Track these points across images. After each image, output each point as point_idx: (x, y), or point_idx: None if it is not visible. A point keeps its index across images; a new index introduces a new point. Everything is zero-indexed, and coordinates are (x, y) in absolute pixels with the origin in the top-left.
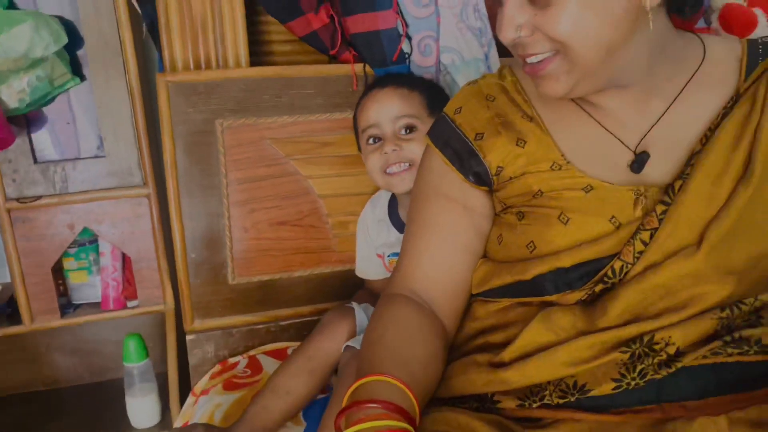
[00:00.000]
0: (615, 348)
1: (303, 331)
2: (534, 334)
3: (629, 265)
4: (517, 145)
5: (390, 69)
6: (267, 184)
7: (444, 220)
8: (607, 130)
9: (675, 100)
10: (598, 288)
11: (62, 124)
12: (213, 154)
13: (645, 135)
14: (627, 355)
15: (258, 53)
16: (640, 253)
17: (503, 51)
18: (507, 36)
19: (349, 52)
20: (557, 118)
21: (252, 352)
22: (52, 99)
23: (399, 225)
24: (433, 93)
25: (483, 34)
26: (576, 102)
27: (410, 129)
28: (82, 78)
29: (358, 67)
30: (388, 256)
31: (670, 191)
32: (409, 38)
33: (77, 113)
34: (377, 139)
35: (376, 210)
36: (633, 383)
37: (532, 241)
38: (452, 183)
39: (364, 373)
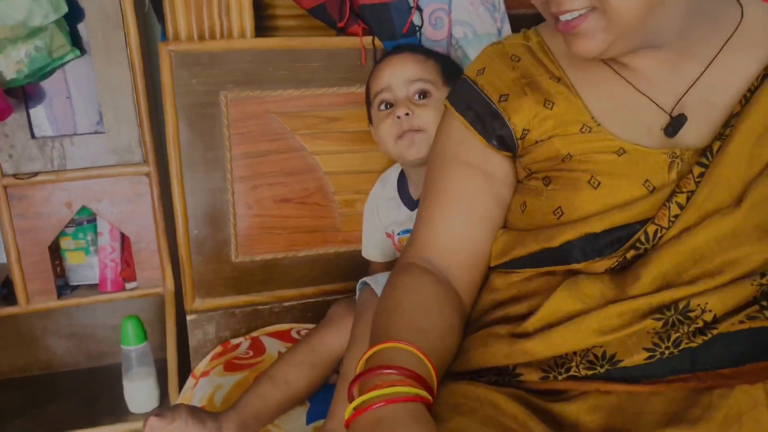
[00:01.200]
0: (647, 315)
1: (307, 313)
2: (559, 302)
3: (664, 230)
4: (544, 106)
5: (400, 42)
6: (271, 160)
7: (463, 187)
8: (640, 91)
9: (711, 62)
10: (630, 254)
11: (61, 99)
12: (216, 127)
13: (681, 98)
14: (660, 323)
15: (262, 28)
16: (676, 216)
17: (516, 28)
18: None
19: (358, 24)
20: (586, 79)
21: (255, 334)
22: (51, 71)
23: (409, 202)
24: (448, 63)
25: (496, 9)
26: (606, 63)
27: (424, 94)
28: (82, 51)
29: (367, 41)
30: (399, 234)
31: (708, 153)
32: (420, 10)
33: (76, 88)
34: (389, 104)
35: (386, 188)
36: (667, 352)
37: (559, 207)
38: (473, 148)
39: (379, 341)
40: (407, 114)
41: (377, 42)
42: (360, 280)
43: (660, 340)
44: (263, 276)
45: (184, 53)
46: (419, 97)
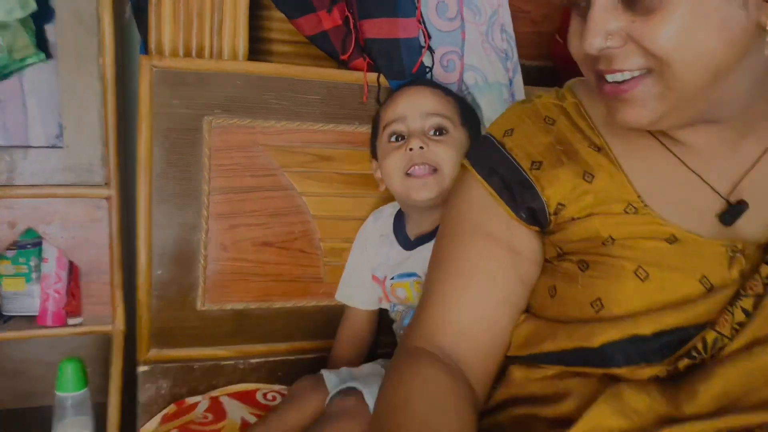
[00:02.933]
0: None
1: (277, 372)
2: (600, 417)
3: (726, 339)
4: (583, 179)
5: (408, 82)
6: (255, 197)
7: (483, 263)
8: (693, 170)
9: None
10: (682, 364)
11: (15, 106)
12: (196, 155)
13: (739, 181)
14: None
15: (254, 51)
16: (741, 324)
17: (528, 80)
18: (593, 44)
19: (363, 59)
20: (630, 152)
21: (215, 393)
22: (10, 74)
23: (405, 242)
24: (465, 105)
25: (509, 58)
26: (653, 135)
27: (441, 131)
28: (48, 55)
29: (371, 78)
30: (392, 279)
31: None
32: (432, 51)
33: (34, 95)
34: (401, 137)
35: (378, 223)
36: None
37: (599, 299)
38: (497, 219)
39: None
40: (421, 147)
41: (383, 80)
42: (339, 381)
43: None
44: (231, 327)
45: (168, 70)
46: (435, 133)
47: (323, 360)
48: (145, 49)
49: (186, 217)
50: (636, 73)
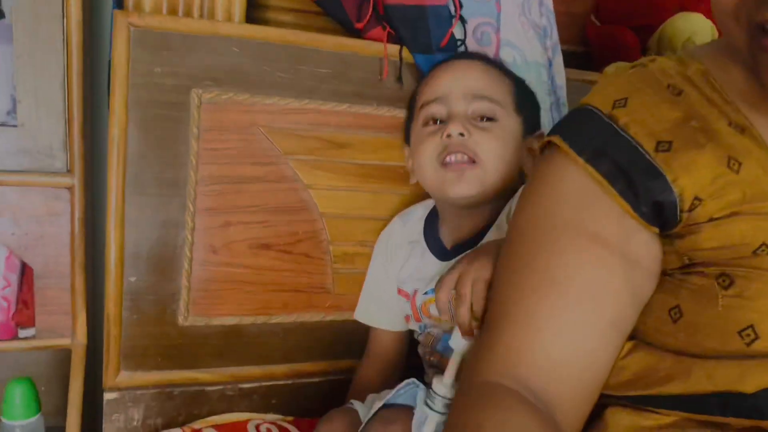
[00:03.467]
0: None
1: (272, 400)
2: None
3: None
4: (728, 167)
5: (436, 57)
6: (252, 190)
7: (587, 274)
8: None
9: None
10: None
11: None
12: (182, 136)
13: None
14: None
15: (249, 19)
16: None
17: (570, 62)
18: None
19: (383, 27)
20: None
21: (196, 424)
22: None
23: (439, 251)
24: (523, 88)
25: (547, 36)
26: None
27: (489, 117)
28: (1, 14)
29: (393, 49)
30: (424, 293)
31: None
32: (464, 21)
33: None
34: (439, 121)
35: (407, 226)
36: None
37: (751, 327)
38: (607, 215)
39: None
40: (461, 134)
41: (406, 53)
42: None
43: None
44: (219, 346)
45: (149, 30)
46: (481, 119)
47: (328, 385)
48: (119, 5)
49: (167, 212)
50: None
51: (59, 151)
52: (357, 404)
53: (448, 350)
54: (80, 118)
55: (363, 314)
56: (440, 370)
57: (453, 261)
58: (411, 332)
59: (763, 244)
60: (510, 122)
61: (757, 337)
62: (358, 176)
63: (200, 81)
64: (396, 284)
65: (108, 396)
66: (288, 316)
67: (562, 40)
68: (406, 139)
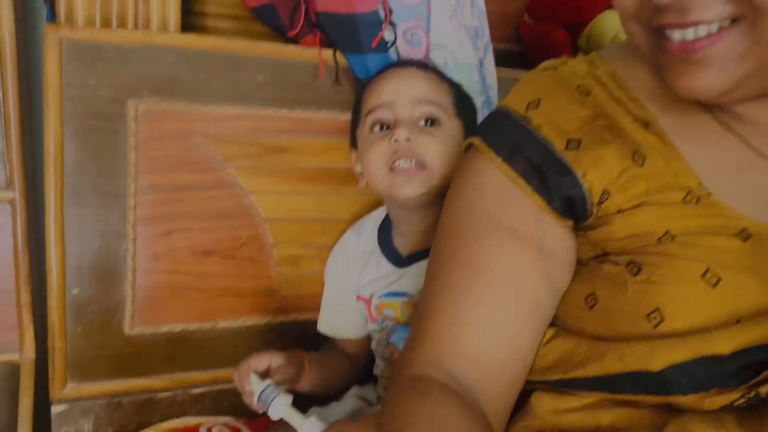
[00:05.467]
0: None
1: (223, 403)
2: None
3: None
4: (633, 161)
5: (367, 57)
6: (192, 197)
7: (506, 267)
8: (759, 151)
9: None
10: (765, 390)
11: None
12: (119, 147)
13: None
14: None
15: (185, 27)
16: None
17: (501, 60)
18: None
19: (314, 35)
20: (684, 130)
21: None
22: None
23: (394, 257)
24: (461, 93)
25: (479, 36)
26: (708, 110)
27: (432, 122)
28: None
29: (327, 54)
30: (380, 297)
31: None
32: (393, 25)
33: None
34: (386, 126)
35: (362, 239)
36: None
37: (657, 309)
38: (523, 211)
39: None
40: (408, 139)
41: (340, 57)
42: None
43: None
44: (167, 353)
45: (82, 43)
46: (426, 123)
47: None
48: (52, 18)
49: (108, 222)
50: (714, 28)
51: None
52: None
53: (400, 342)
54: (18, 132)
55: (325, 327)
56: (390, 362)
57: (408, 268)
58: (369, 340)
59: (667, 232)
60: (452, 126)
61: (663, 319)
62: (300, 179)
63: (136, 91)
64: (355, 292)
65: (56, 408)
66: (234, 321)
67: (497, 39)
68: (353, 143)
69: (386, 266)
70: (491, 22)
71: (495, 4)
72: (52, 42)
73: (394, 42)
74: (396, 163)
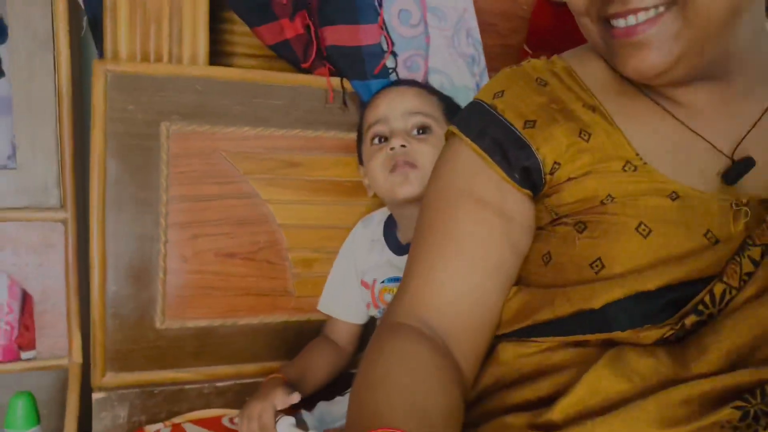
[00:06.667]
0: (723, 403)
1: (244, 396)
2: (600, 381)
3: (734, 291)
4: (579, 137)
5: (371, 83)
6: (216, 206)
7: (472, 229)
8: (692, 130)
9: None
10: (690, 321)
11: None
12: (153, 162)
13: (740, 141)
14: (739, 414)
15: (217, 65)
16: (749, 274)
17: None
18: None
19: (324, 66)
20: (626, 112)
21: (177, 420)
22: None
23: (396, 247)
24: (451, 103)
25: (475, 63)
26: (649, 97)
27: (424, 129)
28: (1, 73)
29: (335, 81)
30: (382, 282)
31: None
32: (395, 55)
33: None
34: (383, 138)
35: (369, 228)
36: None
37: (599, 259)
38: (487, 182)
39: (367, 425)
40: (403, 146)
41: (346, 83)
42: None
43: None
44: (194, 347)
45: (123, 75)
46: (418, 132)
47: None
48: (100, 55)
49: (143, 227)
50: (652, 14)
51: (54, 189)
52: (305, 414)
53: None
54: (71, 159)
55: (325, 306)
56: None
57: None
58: (363, 329)
59: (609, 195)
60: (443, 132)
61: (603, 267)
62: (311, 191)
63: (168, 115)
64: (359, 277)
65: (96, 396)
66: (254, 318)
67: (500, 68)
68: (360, 161)
69: (388, 254)
70: (494, 54)
71: (498, 37)
72: (99, 74)
73: (395, 68)
74: (394, 166)
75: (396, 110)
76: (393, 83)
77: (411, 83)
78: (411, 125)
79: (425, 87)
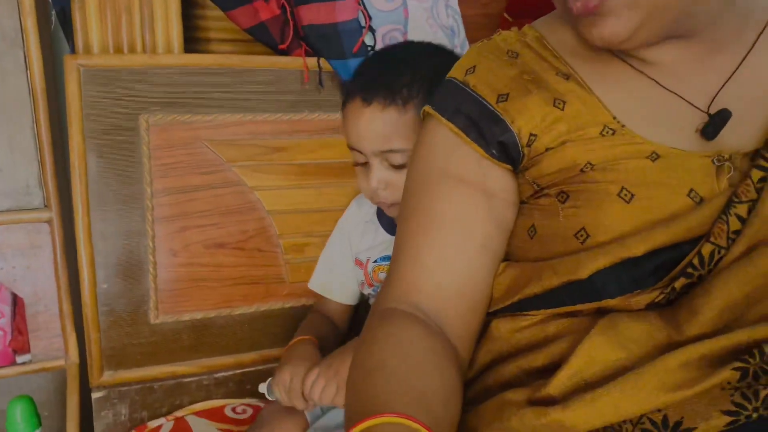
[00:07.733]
0: (720, 364)
1: (246, 385)
2: (595, 350)
3: (723, 250)
4: (554, 106)
5: (350, 62)
6: (202, 196)
7: (456, 209)
8: (667, 88)
9: (746, 56)
10: (679, 284)
11: None
12: (135, 156)
13: (715, 95)
14: (738, 374)
15: (191, 52)
16: (737, 232)
17: None
18: None
19: (301, 47)
20: (600, 77)
21: (179, 413)
22: None
23: (389, 226)
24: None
25: (455, 34)
26: (622, 59)
27: (401, 166)
28: None
29: (312, 61)
30: (375, 261)
31: (765, 154)
32: (373, 31)
33: None
34: (364, 162)
35: (362, 209)
36: (755, 415)
37: (583, 228)
38: (466, 160)
39: (366, 412)
40: (385, 190)
41: (324, 62)
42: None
43: (744, 399)
44: (190, 340)
45: (97, 69)
46: (396, 162)
47: None
48: (72, 50)
49: (129, 223)
50: None
51: (36, 189)
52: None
53: None
54: (51, 157)
55: (316, 285)
56: None
57: None
58: (354, 309)
59: (588, 162)
60: None
61: (588, 236)
62: (298, 175)
63: (147, 107)
64: (353, 256)
65: (95, 395)
66: (249, 307)
67: (480, 38)
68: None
69: (382, 234)
70: (476, 24)
71: (479, 6)
72: (71, 70)
73: (374, 46)
74: (380, 202)
75: (368, 146)
76: (364, 96)
77: (384, 94)
78: (385, 150)
79: (394, 102)
